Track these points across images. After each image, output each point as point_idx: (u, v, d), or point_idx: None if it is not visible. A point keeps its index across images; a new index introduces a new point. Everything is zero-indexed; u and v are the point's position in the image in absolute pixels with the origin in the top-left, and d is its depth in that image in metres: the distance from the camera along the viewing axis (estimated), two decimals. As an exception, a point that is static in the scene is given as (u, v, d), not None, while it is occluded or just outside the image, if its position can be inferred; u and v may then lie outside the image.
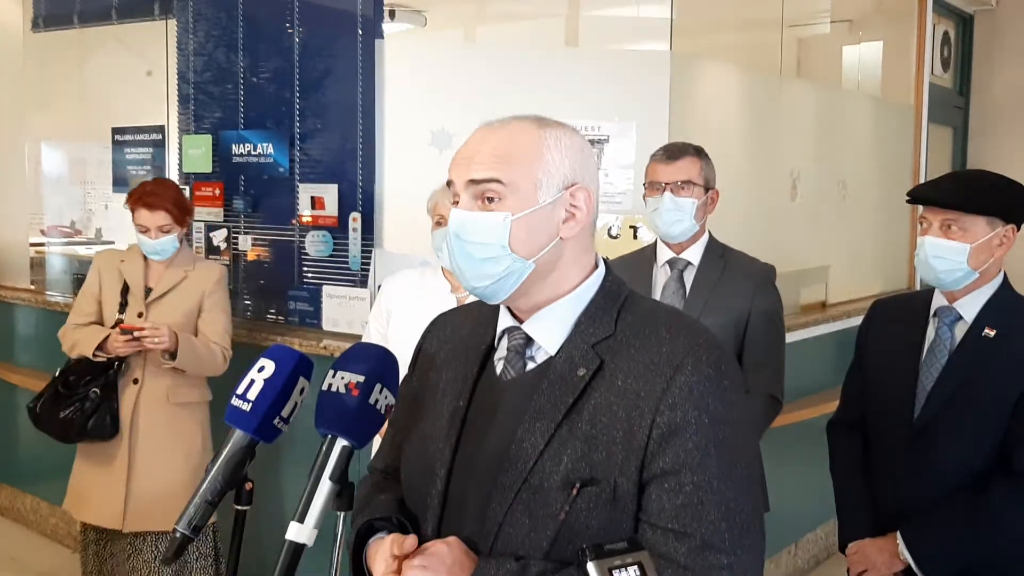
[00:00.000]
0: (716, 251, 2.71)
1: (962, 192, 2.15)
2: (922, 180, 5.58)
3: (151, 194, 3.27)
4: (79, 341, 3.28)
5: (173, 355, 3.20)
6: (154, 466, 3.29)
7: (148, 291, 3.34)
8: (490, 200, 1.26)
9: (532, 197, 1.26)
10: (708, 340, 1.26)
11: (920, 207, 2.24)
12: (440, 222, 2.74)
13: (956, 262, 2.12)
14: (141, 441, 3.29)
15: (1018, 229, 2.18)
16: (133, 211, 3.28)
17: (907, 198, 2.28)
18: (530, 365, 1.32)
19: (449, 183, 1.31)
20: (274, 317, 4.03)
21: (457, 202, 1.30)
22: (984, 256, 2.14)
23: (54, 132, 5.27)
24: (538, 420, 1.25)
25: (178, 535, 1.25)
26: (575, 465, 1.21)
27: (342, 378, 1.23)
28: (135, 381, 3.30)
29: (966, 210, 2.12)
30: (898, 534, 2.18)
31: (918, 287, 5.56)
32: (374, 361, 1.26)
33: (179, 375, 3.30)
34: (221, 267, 3.52)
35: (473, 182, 1.26)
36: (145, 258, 3.35)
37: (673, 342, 1.24)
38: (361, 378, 1.23)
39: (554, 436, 1.23)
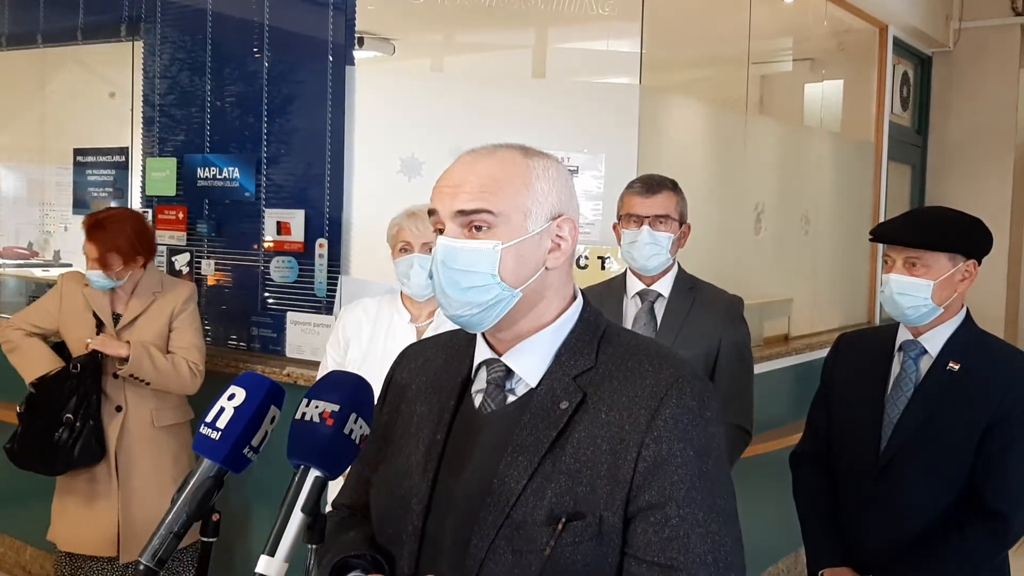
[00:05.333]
0: (686, 283, 2.72)
1: (923, 230, 2.19)
2: (882, 216, 5.68)
3: (99, 227, 3.17)
4: (22, 351, 3.21)
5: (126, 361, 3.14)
6: (146, 492, 3.23)
7: (117, 317, 3.28)
8: (478, 228, 1.25)
9: (522, 227, 1.25)
10: (691, 372, 1.26)
11: (881, 244, 2.28)
12: (405, 248, 2.71)
13: (920, 298, 2.16)
14: (130, 468, 3.23)
15: (979, 264, 2.22)
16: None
17: (869, 237, 2.32)
18: (510, 398, 1.30)
19: (431, 212, 1.29)
20: (236, 343, 3.97)
21: (441, 230, 1.28)
22: (947, 292, 2.17)
23: (13, 152, 5.18)
24: (520, 454, 1.23)
25: (142, 568, 1.21)
26: (559, 500, 1.19)
27: (316, 407, 1.20)
28: (118, 409, 3.22)
29: (928, 247, 2.16)
30: None
31: (878, 321, 5.65)
32: (350, 390, 1.23)
33: (162, 398, 3.25)
34: (191, 285, 3.46)
35: (462, 213, 1.25)
36: None
37: (656, 374, 1.24)
38: (336, 407, 1.20)
39: (537, 470, 1.21)
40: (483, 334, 1.33)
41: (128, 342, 3.16)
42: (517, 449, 1.23)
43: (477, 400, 1.32)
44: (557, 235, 1.29)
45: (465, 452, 1.29)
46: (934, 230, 2.19)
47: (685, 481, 1.18)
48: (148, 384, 3.19)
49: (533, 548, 1.18)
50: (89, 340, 3.15)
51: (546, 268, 1.28)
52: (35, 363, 3.21)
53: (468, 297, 1.26)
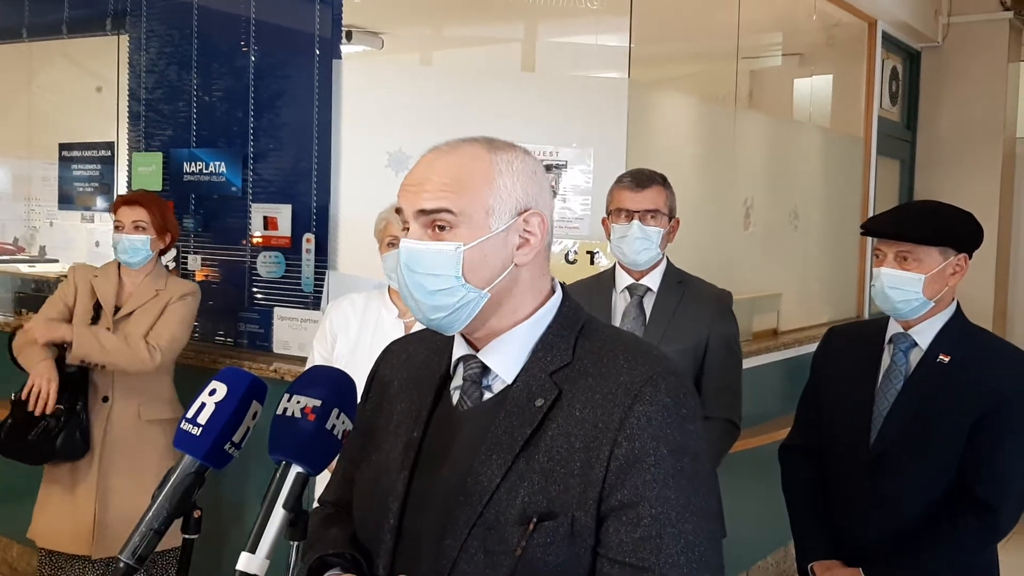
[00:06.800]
0: (674, 277, 2.72)
1: (915, 224, 2.19)
2: (871, 211, 5.69)
3: (137, 195, 3.29)
4: (26, 353, 3.16)
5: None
6: (125, 488, 3.18)
7: (119, 310, 3.25)
8: (441, 229, 1.22)
9: (484, 225, 1.22)
10: (666, 368, 1.23)
11: (871, 238, 2.27)
12: (392, 243, 2.69)
13: (912, 292, 2.16)
14: (112, 462, 3.18)
15: (970, 257, 2.22)
16: (115, 212, 3.23)
17: (861, 231, 2.32)
18: (487, 395, 1.28)
19: (398, 210, 1.27)
20: (223, 339, 3.95)
21: (407, 230, 1.25)
22: (939, 285, 2.17)
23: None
24: (495, 452, 1.21)
25: (122, 565, 1.19)
26: (532, 499, 1.17)
27: (298, 402, 1.19)
28: (104, 399, 3.19)
29: (920, 241, 2.16)
30: (861, 572, 2.19)
31: (867, 315, 5.65)
32: (332, 385, 1.22)
33: (149, 390, 3.22)
34: (194, 284, 3.42)
35: (423, 212, 1.22)
36: (120, 276, 3.27)
37: (631, 371, 1.21)
38: (318, 402, 1.18)
39: (511, 469, 1.19)
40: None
41: (71, 325, 3.13)
42: (492, 447, 1.21)
43: (455, 397, 1.30)
44: (525, 230, 1.25)
45: (442, 450, 1.27)
46: (925, 224, 2.18)
47: (658, 480, 1.16)
48: (103, 367, 3.14)
49: (505, 548, 1.16)
50: (30, 327, 3.13)
51: (515, 265, 1.25)
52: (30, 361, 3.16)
53: (435, 300, 1.23)
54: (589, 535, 1.16)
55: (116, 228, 3.22)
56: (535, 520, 1.16)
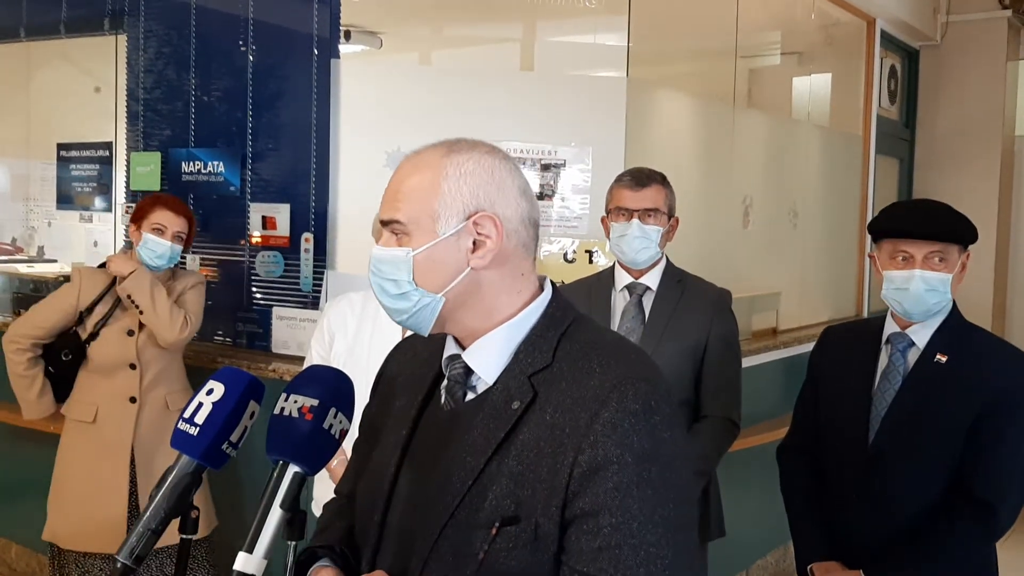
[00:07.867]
0: (674, 276, 2.72)
1: (944, 223, 2.16)
2: (870, 210, 5.68)
3: (182, 205, 3.27)
4: (24, 387, 3.22)
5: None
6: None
7: None
8: (400, 237, 1.25)
9: (431, 231, 1.23)
10: (639, 373, 1.20)
11: (869, 237, 2.26)
12: (389, 243, 2.69)
13: (943, 292, 2.15)
14: (151, 458, 3.18)
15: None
16: (148, 213, 3.18)
17: (881, 233, 2.23)
18: (470, 395, 1.28)
19: None
20: (222, 339, 3.95)
21: None
22: (956, 283, 2.17)
23: (-2, 147, 5.15)
24: (469, 455, 1.20)
25: (119, 565, 1.19)
26: (500, 503, 1.16)
27: (295, 402, 1.19)
28: (132, 400, 3.20)
29: (952, 241, 2.15)
30: (861, 574, 2.19)
31: (866, 314, 5.65)
32: (329, 384, 1.22)
33: (170, 382, 3.25)
34: (200, 274, 3.45)
35: (383, 223, 1.26)
36: None
37: (603, 375, 1.19)
38: (315, 402, 1.18)
39: (483, 472, 1.18)
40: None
41: (137, 264, 3.18)
42: (467, 449, 1.21)
43: (443, 397, 1.31)
44: (478, 233, 1.24)
45: (427, 449, 1.27)
46: (952, 222, 2.17)
47: (620, 489, 1.13)
48: (141, 313, 3.15)
49: (470, 551, 1.16)
50: (108, 260, 3.25)
51: (472, 268, 1.24)
52: (32, 406, 3.24)
53: (396, 304, 1.26)
54: (552, 542, 1.15)
55: (157, 230, 3.17)
56: (498, 524, 1.15)
